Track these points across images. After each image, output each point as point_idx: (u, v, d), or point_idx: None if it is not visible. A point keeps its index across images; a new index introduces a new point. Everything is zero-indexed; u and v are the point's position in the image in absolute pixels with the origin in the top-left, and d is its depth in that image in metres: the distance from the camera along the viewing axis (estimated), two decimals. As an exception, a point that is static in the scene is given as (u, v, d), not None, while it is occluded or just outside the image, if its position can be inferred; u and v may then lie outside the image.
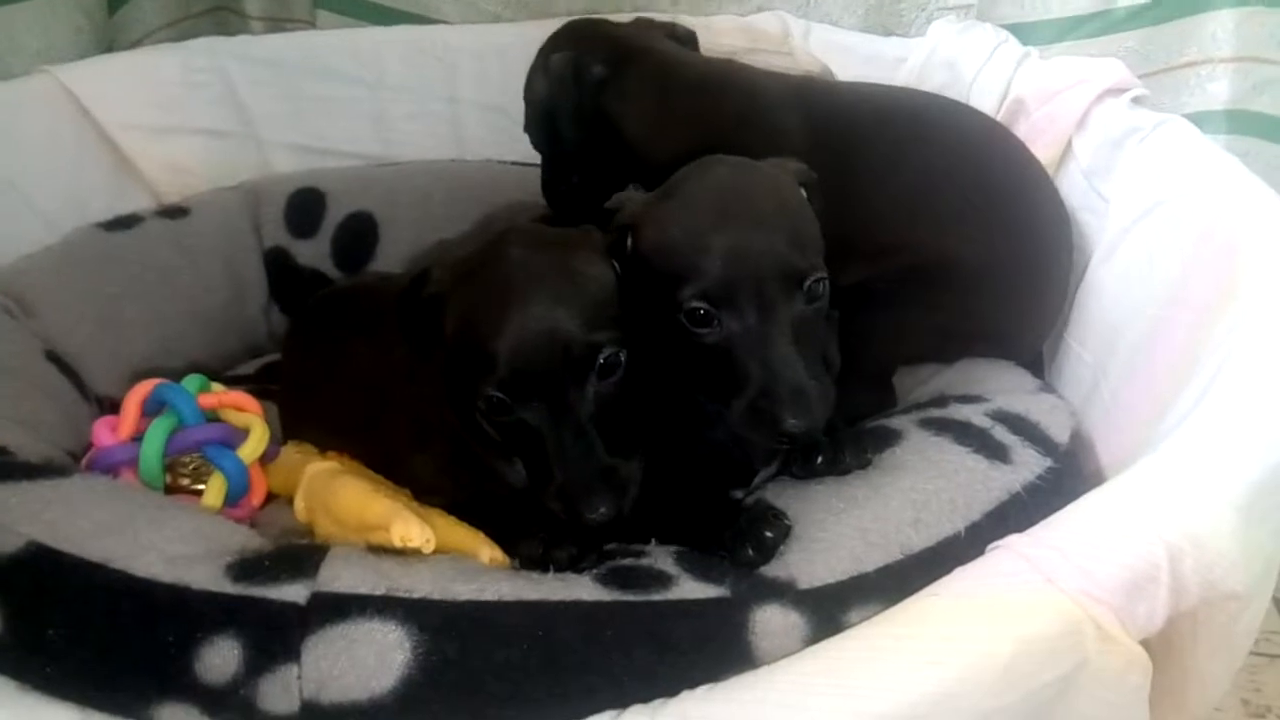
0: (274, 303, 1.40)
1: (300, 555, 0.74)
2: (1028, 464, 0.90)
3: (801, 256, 0.84)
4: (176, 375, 1.24)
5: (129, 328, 1.22)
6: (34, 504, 0.77)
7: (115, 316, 1.21)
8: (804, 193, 0.91)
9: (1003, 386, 1.06)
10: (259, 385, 1.26)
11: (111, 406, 1.18)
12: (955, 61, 1.31)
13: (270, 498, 1.01)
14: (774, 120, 1.11)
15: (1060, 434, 0.97)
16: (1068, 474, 0.92)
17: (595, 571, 0.76)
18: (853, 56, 1.40)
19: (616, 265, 0.87)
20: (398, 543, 0.75)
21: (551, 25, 1.47)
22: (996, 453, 0.90)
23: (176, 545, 0.74)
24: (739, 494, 0.94)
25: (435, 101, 1.52)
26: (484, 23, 1.57)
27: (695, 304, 0.82)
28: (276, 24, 1.69)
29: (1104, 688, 0.70)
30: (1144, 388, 1.03)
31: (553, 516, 0.81)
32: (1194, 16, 1.37)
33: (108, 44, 1.56)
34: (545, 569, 0.77)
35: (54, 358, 1.13)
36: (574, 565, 0.77)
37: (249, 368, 1.35)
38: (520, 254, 0.82)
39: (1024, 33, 1.39)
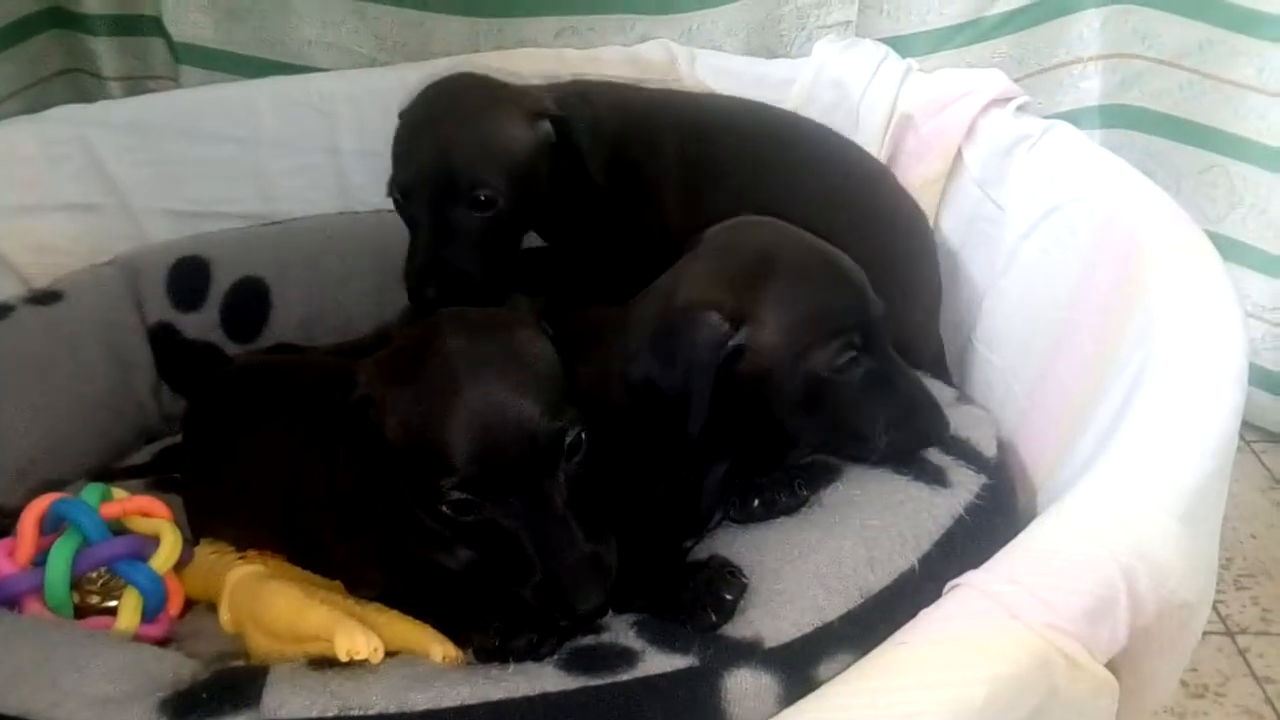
0: (164, 382, 1.32)
1: (239, 682, 0.69)
2: (965, 484, 0.91)
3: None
4: (64, 474, 1.18)
5: (7, 428, 1.13)
6: (-65, 657, 0.70)
7: (-8, 418, 1.13)
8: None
9: (924, 401, 1.07)
10: (158, 475, 1.19)
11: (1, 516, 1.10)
12: (841, 80, 1.33)
13: (188, 604, 0.95)
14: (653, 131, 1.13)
15: (988, 447, 0.98)
16: (1001, 487, 0.94)
17: (556, 657, 0.73)
18: (739, 80, 1.39)
19: None
20: (343, 657, 0.70)
21: (430, 68, 1.44)
22: (935, 477, 0.90)
23: (102, 686, 0.68)
24: (689, 543, 0.92)
25: (315, 153, 1.46)
26: (359, 68, 1.52)
27: (844, 355, 0.85)
28: (136, 83, 1.61)
29: (1075, 714, 0.70)
30: (1056, 390, 1.06)
31: (501, 599, 0.78)
32: (1061, 19, 1.42)
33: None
34: (504, 660, 0.73)
35: (-72, 470, 1.04)
36: (533, 653, 0.73)
37: (144, 455, 1.27)
38: (461, 344, 0.77)
39: (901, 45, 1.41)
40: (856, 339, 0.85)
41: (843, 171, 1.18)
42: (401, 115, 1.10)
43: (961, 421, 1.01)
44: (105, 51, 1.60)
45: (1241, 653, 1.24)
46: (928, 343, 1.19)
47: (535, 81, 1.22)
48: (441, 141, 1.03)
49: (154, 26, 1.57)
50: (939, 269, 1.22)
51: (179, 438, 1.28)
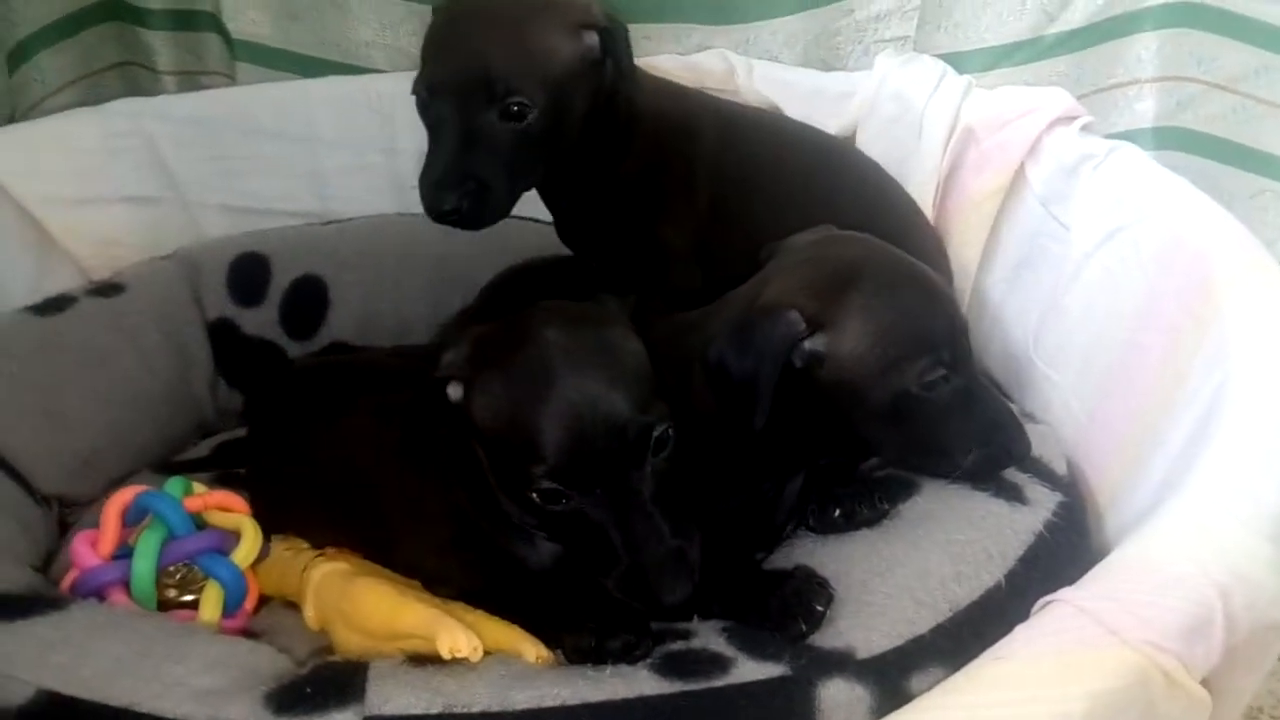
0: (220, 378, 1.32)
1: (341, 677, 0.70)
2: (1041, 501, 0.91)
3: None
4: (125, 465, 1.19)
5: (72, 419, 1.14)
6: (36, 646, 0.70)
7: (57, 408, 1.13)
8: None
9: (990, 418, 1.08)
10: (220, 470, 1.19)
11: (61, 505, 1.11)
12: (903, 93, 1.33)
13: (261, 600, 0.95)
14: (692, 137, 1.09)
15: (1058, 464, 0.99)
16: (1075, 505, 0.95)
17: (650, 661, 0.74)
18: (796, 91, 1.40)
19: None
20: (446, 655, 0.71)
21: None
22: (1013, 494, 0.91)
23: (203, 678, 0.69)
24: (760, 555, 0.93)
25: (372, 153, 1.47)
26: (415, 69, 1.52)
27: (934, 373, 0.85)
28: (190, 78, 1.61)
29: (1169, 731, 0.71)
30: (1122, 407, 1.06)
31: (588, 599, 0.78)
32: (1119, 40, 1.42)
33: (10, 110, 1.46)
34: (600, 661, 0.74)
35: (-1, 461, 1.05)
36: (628, 654, 0.74)
37: (202, 449, 1.27)
38: (558, 335, 0.78)
39: (958, 61, 1.41)
40: (947, 356, 0.85)
41: (878, 196, 1.18)
42: (436, 10, 1.02)
43: (1031, 439, 1.02)
44: (161, 45, 1.60)
45: (1292, 676, 1.24)
46: None
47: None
48: (479, 42, 0.95)
49: (210, 22, 1.58)
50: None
51: (235, 433, 1.30)
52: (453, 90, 0.95)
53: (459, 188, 0.93)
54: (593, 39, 0.99)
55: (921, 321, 0.86)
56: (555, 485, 0.76)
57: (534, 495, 0.77)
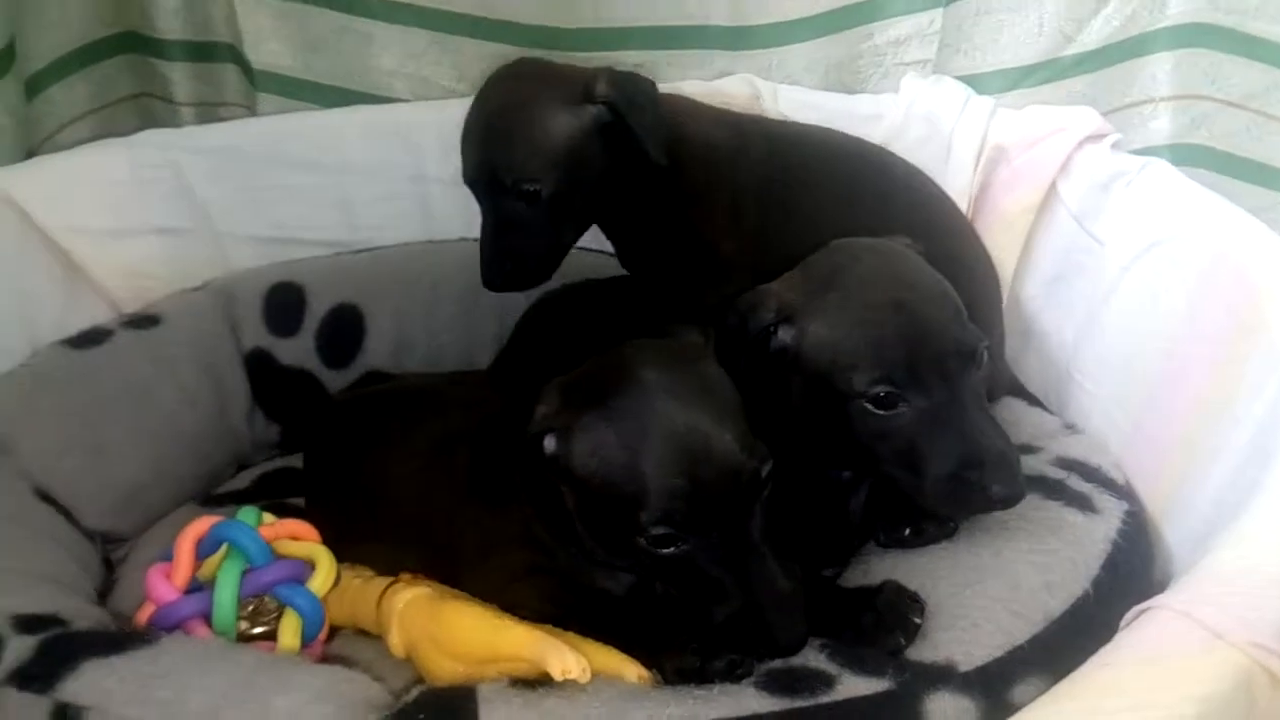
0: (258, 409, 1.30)
1: (451, 703, 0.69)
2: (1111, 510, 0.93)
3: (969, 331, 0.87)
4: (170, 499, 1.17)
5: (114, 453, 1.12)
6: (135, 683, 0.69)
7: (99, 443, 1.11)
8: None
9: (1039, 430, 1.09)
10: (266, 500, 1.17)
11: (104, 541, 1.09)
12: (932, 114, 1.35)
13: (332, 631, 0.93)
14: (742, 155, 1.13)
15: (1116, 474, 1.01)
16: (1139, 513, 0.96)
17: (753, 679, 0.74)
18: (823, 114, 1.40)
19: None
20: (558, 676, 0.70)
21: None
22: (1084, 504, 0.92)
23: (311, 709, 0.68)
24: (829, 571, 0.93)
25: (400, 181, 1.46)
26: (438, 98, 1.52)
27: (879, 388, 0.84)
28: (208, 109, 1.59)
29: (1270, 731, 0.72)
30: (1169, 417, 1.07)
31: (681, 620, 0.78)
32: (1134, 60, 1.46)
33: (25, 141, 1.44)
34: (705, 681, 0.73)
35: (46, 497, 1.03)
36: (732, 674, 0.73)
37: (243, 481, 1.25)
38: (657, 376, 0.77)
39: (977, 83, 1.44)
40: (900, 376, 0.84)
41: (928, 201, 1.20)
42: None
43: (1085, 450, 1.04)
44: (178, 77, 1.58)
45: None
46: (1001, 379, 1.20)
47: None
48: (487, 137, 1.06)
49: (228, 54, 1.57)
50: (999, 304, 1.23)
51: (272, 464, 1.28)
52: (478, 184, 1.07)
53: (502, 266, 1.06)
54: (596, 109, 1.04)
55: (879, 337, 0.85)
56: (669, 530, 0.75)
57: (643, 540, 0.75)
